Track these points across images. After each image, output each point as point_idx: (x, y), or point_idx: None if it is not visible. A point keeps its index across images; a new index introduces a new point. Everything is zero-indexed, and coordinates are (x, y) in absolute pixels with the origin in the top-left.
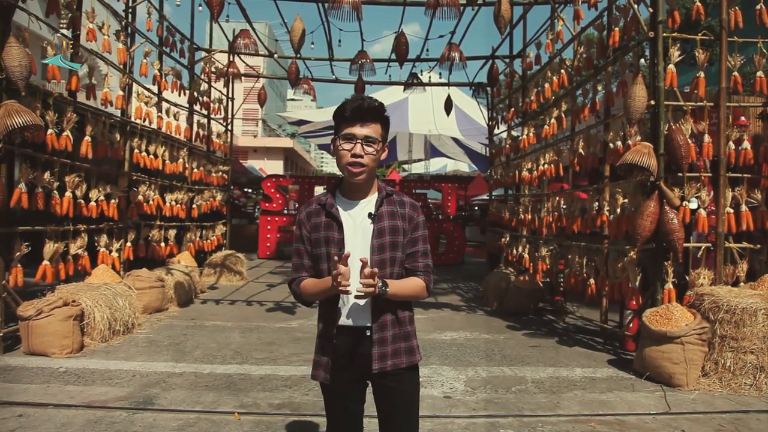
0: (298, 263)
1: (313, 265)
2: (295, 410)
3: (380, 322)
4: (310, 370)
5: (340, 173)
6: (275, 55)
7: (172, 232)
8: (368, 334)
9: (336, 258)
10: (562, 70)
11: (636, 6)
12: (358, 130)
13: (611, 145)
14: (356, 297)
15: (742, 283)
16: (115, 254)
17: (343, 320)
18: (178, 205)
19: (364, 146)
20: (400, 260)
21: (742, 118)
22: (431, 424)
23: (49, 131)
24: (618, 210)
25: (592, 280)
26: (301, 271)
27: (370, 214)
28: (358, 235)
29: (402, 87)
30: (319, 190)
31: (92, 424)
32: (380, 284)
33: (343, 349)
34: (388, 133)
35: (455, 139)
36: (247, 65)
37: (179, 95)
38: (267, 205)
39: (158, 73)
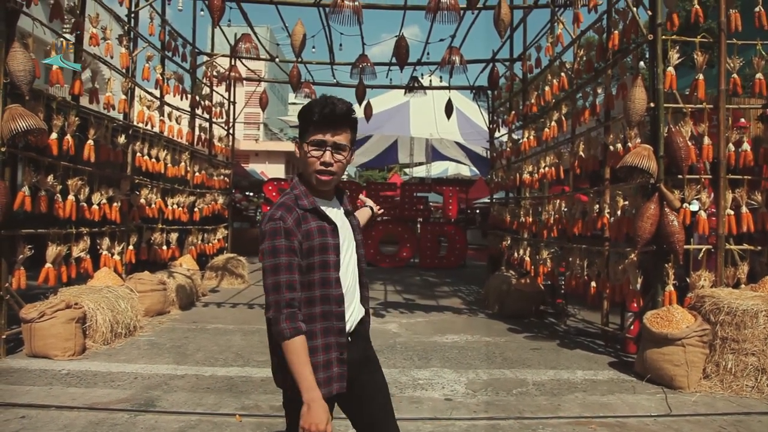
0: (290, 280)
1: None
2: None
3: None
4: None
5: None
6: (276, 59)
7: (174, 236)
8: (350, 340)
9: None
10: (562, 73)
11: (635, 9)
12: (329, 138)
13: (611, 147)
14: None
15: (743, 285)
16: (117, 257)
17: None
18: (180, 209)
19: (335, 154)
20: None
21: (742, 120)
22: (432, 426)
23: (53, 135)
24: (619, 212)
25: (593, 283)
26: (294, 291)
27: (348, 212)
28: (343, 235)
29: (403, 90)
30: None
31: (94, 426)
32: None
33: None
34: (356, 136)
35: (457, 143)
36: (249, 69)
37: (181, 99)
38: (268, 208)
39: (160, 77)
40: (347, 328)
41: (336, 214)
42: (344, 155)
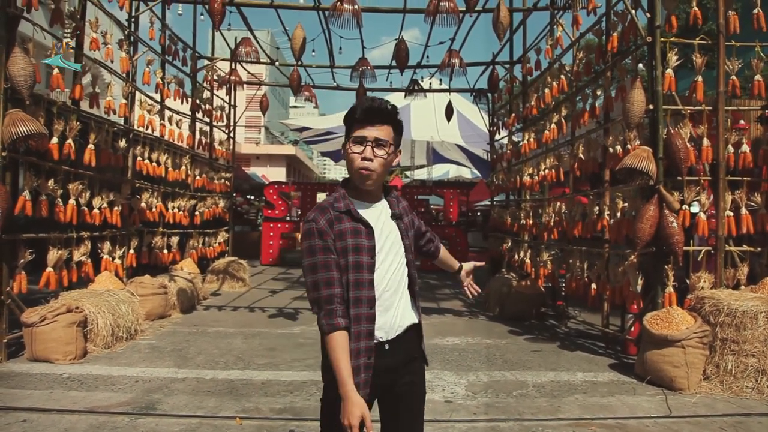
0: (328, 277)
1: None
2: (297, 415)
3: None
4: (311, 376)
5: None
6: (277, 63)
7: (174, 239)
8: (387, 348)
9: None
10: (562, 76)
11: (634, 11)
12: (368, 132)
13: (611, 149)
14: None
15: (742, 286)
16: (118, 261)
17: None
18: (181, 212)
19: (375, 149)
20: (412, 255)
21: (741, 121)
22: (432, 429)
23: (53, 140)
24: (618, 214)
25: (593, 285)
26: (333, 286)
27: (394, 215)
28: (382, 238)
29: (403, 93)
30: (321, 196)
31: (95, 429)
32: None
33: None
34: (401, 138)
35: (458, 145)
36: (249, 73)
37: (182, 103)
38: (269, 212)
39: (161, 82)
40: (387, 333)
41: (378, 215)
42: (385, 151)
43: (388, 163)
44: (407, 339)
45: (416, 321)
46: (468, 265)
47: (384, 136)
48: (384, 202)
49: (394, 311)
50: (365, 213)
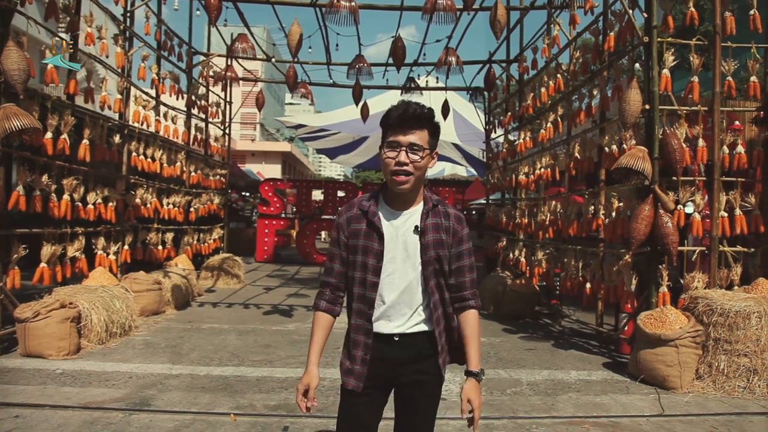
0: (329, 267)
1: (344, 271)
2: (291, 411)
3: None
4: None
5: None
6: (273, 59)
7: (169, 235)
8: (396, 339)
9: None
10: (559, 75)
11: (631, 11)
12: (403, 138)
13: (607, 149)
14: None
15: (736, 287)
16: (112, 257)
17: (382, 328)
18: (176, 209)
19: (409, 154)
20: (442, 273)
21: (737, 122)
22: None
23: (48, 134)
24: (613, 214)
25: (588, 284)
26: (330, 276)
27: (416, 228)
28: (399, 246)
29: (400, 91)
30: (317, 194)
31: (89, 425)
32: (478, 376)
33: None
34: (437, 140)
35: (454, 144)
36: (245, 69)
37: (177, 99)
38: (264, 208)
39: (156, 77)
40: (397, 328)
41: (401, 223)
42: (420, 155)
43: (424, 167)
44: (419, 339)
45: (428, 329)
46: (471, 392)
47: (418, 140)
48: (417, 211)
49: (401, 315)
50: (387, 217)
